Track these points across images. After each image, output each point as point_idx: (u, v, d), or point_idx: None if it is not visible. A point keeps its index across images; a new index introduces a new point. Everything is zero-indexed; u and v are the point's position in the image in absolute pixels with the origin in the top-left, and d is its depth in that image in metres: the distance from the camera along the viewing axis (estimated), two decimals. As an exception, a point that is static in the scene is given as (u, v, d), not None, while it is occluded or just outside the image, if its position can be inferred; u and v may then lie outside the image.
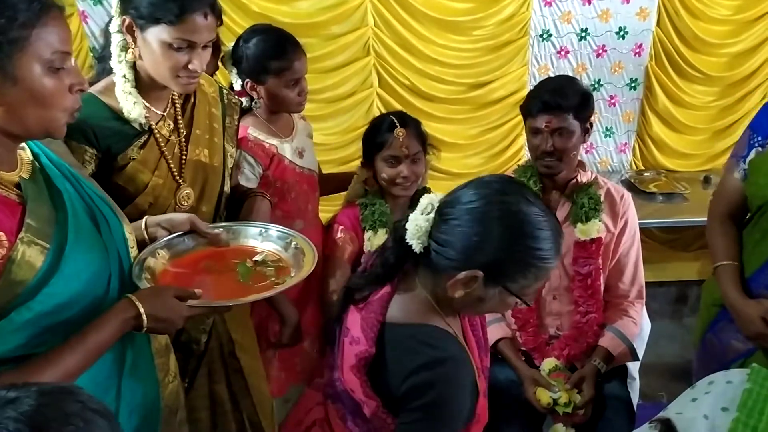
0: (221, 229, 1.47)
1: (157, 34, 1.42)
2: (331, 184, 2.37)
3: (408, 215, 1.22)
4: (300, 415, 1.37)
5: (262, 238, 1.45)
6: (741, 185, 1.82)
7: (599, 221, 1.95)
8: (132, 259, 1.30)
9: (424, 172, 2.03)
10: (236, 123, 1.83)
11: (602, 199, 1.97)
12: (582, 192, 1.96)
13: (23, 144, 1.18)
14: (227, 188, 1.78)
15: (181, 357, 1.61)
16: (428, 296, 1.19)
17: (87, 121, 1.46)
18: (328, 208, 2.50)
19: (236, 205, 1.78)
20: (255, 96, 2.01)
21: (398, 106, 3.68)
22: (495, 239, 1.10)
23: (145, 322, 1.17)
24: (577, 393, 1.88)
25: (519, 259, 1.12)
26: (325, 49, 3.50)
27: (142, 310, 1.17)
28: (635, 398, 2.15)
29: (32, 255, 1.05)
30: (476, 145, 3.85)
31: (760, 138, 1.77)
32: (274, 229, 1.45)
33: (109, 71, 1.55)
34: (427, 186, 2.12)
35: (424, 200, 1.19)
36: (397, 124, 1.95)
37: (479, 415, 1.25)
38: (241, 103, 2.01)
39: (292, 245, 1.40)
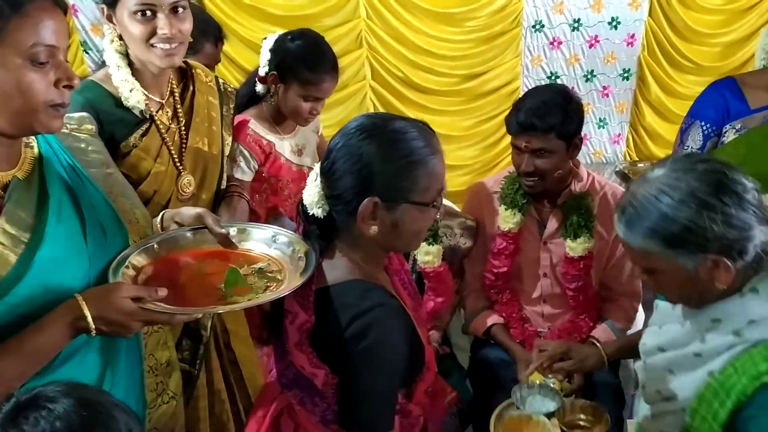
0: (234, 229, 1.34)
1: (122, 9, 1.46)
2: None
3: None
4: (266, 405, 1.37)
5: (274, 244, 1.31)
6: None
7: (589, 238, 1.89)
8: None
9: None
10: (232, 112, 1.84)
11: (596, 209, 1.91)
12: (573, 205, 1.90)
13: (31, 141, 1.16)
14: (225, 176, 1.80)
15: (191, 345, 1.62)
16: (352, 256, 1.23)
17: (93, 106, 1.48)
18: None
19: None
20: (272, 89, 2.00)
21: (391, 99, 3.68)
22: (370, 162, 1.14)
23: (91, 324, 1.05)
24: (567, 381, 1.88)
25: (400, 168, 1.15)
26: (317, 41, 3.49)
27: (87, 311, 1.05)
28: (630, 389, 2.14)
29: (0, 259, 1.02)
30: (470, 136, 3.86)
31: (714, 127, 1.80)
32: (285, 236, 1.31)
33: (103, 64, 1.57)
34: None
35: (312, 173, 1.23)
36: None
37: (429, 363, 1.29)
38: (256, 90, 2.04)
39: (298, 255, 1.27)
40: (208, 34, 2.05)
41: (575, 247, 1.89)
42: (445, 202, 1.85)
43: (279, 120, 2.07)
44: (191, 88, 1.68)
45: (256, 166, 2.01)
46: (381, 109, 3.66)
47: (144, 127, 1.56)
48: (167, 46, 1.49)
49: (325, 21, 3.48)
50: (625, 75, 3.87)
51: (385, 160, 1.15)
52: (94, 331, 1.06)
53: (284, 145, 2.07)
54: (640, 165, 3.93)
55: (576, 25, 3.70)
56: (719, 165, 1.15)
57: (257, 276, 1.22)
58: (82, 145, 1.30)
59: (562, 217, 1.93)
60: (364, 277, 1.21)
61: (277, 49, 1.97)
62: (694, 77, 3.86)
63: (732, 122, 1.78)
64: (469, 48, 3.66)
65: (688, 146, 1.86)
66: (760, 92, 1.77)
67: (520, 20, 3.64)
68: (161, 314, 1.10)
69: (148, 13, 1.45)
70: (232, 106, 1.81)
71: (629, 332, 2.05)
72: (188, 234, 1.32)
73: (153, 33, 1.46)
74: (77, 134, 1.32)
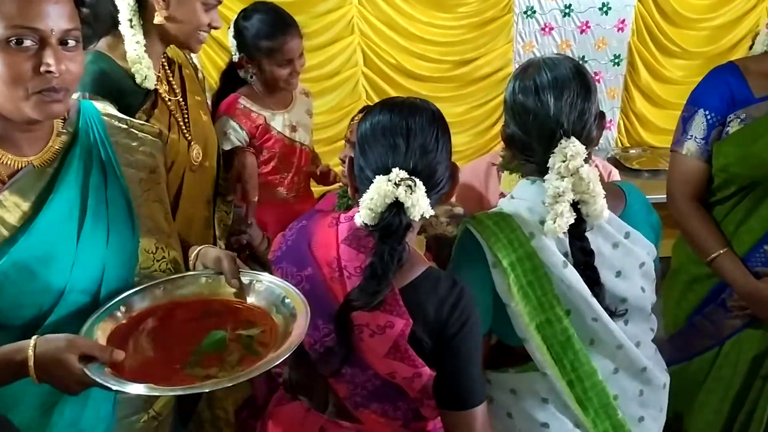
0: (252, 279, 1.22)
1: None
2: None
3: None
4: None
5: (282, 305, 1.18)
6: (703, 166, 1.80)
7: None
8: (131, 279, 1.20)
9: None
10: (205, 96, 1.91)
11: None
12: None
13: (65, 129, 1.14)
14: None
15: None
16: (412, 245, 1.21)
17: (110, 76, 1.48)
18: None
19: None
20: (249, 70, 2.08)
21: (383, 85, 3.68)
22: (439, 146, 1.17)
23: (32, 371, 0.99)
24: None
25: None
26: (309, 27, 3.46)
27: (30, 359, 0.98)
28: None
29: None
30: (463, 123, 3.87)
31: (718, 116, 1.76)
32: (298, 297, 1.16)
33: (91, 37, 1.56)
34: None
35: (379, 183, 1.13)
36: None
37: None
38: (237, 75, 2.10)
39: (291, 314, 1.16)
40: None
41: None
42: None
43: (269, 96, 2.12)
44: (177, 62, 1.71)
45: (246, 138, 2.05)
46: (373, 96, 3.67)
47: (152, 99, 1.57)
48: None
49: (317, 7, 3.46)
50: (616, 61, 3.88)
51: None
52: (36, 379, 1.00)
53: (276, 120, 2.12)
54: (632, 151, 3.95)
55: (567, 10, 3.71)
56: None
57: (242, 343, 1.12)
58: (134, 144, 1.27)
59: None
60: (426, 262, 1.20)
61: (237, 32, 2.06)
62: (682, 62, 3.87)
63: (736, 111, 1.74)
64: (460, 34, 3.66)
65: (691, 135, 1.82)
66: (762, 79, 1.73)
67: (511, 6, 3.64)
68: (98, 384, 1.00)
69: (214, 3, 1.58)
70: (201, 77, 1.85)
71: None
72: (202, 279, 1.24)
73: (209, 24, 1.57)
74: (135, 131, 1.28)
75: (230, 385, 1.01)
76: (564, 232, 1.22)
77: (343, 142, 2.22)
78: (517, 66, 3.87)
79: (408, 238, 1.15)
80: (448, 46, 3.68)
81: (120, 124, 1.27)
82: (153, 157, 1.31)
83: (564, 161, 1.19)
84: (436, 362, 1.17)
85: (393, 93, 3.70)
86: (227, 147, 1.98)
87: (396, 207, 1.10)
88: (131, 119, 1.31)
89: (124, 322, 1.16)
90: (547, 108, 1.22)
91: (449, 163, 1.20)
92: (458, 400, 1.18)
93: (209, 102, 2.02)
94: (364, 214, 1.12)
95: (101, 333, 1.12)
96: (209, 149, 1.74)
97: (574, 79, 1.24)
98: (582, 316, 1.26)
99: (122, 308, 1.17)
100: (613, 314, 1.27)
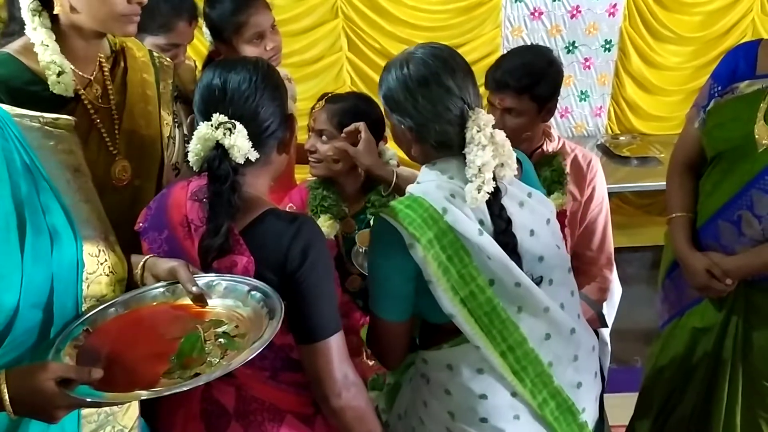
0: (213, 279, 1.21)
1: None
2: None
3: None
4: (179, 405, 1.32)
5: (249, 298, 1.19)
6: (697, 134, 1.82)
7: (563, 194, 1.89)
8: (80, 286, 1.15)
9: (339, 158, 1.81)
10: (170, 87, 1.73)
11: (568, 168, 1.92)
12: (545, 164, 1.91)
13: None
14: (168, 161, 1.68)
15: None
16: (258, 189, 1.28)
17: (7, 84, 1.34)
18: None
19: None
20: (224, 55, 1.98)
21: (368, 71, 3.61)
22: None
23: (8, 407, 0.95)
24: None
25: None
26: (291, 11, 3.41)
27: (4, 392, 0.95)
28: (606, 363, 2.14)
29: None
30: (449, 109, 3.80)
31: (719, 87, 1.76)
32: (262, 290, 1.18)
33: (12, 33, 1.42)
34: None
35: (201, 128, 1.22)
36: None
37: None
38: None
39: (265, 310, 1.16)
40: (182, 12, 1.96)
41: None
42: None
43: None
44: (122, 64, 1.56)
45: None
46: (357, 82, 3.59)
47: (69, 108, 1.41)
48: (137, 15, 1.39)
49: (299, -10, 3.39)
50: (607, 46, 3.82)
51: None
52: (12, 414, 0.96)
53: None
54: (621, 138, 3.91)
55: (557, -6, 3.64)
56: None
57: (222, 339, 1.13)
58: (51, 143, 1.20)
59: None
60: (269, 204, 1.26)
61: (206, 17, 2.00)
62: (675, 47, 3.81)
63: (733, 84, 1.74)
64: (447, 18, 3.59)
65: (696, 104, 1.84)
66: None
67: (499, -11, 3.57)
68: (89, 402, 0.98)
69: None
70: (170, 81, 1.69)
71: (605, 303, 2.04)
72: (159, 291, 1.22)
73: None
74: (50, 129, 1.21)
75: (228, 371, 1.03)
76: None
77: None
78: (505, 52, 3.86)
79: (247, 183, 1.23)
80: (434, 31, 3.60)
81: (33, 123, 1.18)
82: (73, 154, 1.24)
83: (479, 131, 1.26)
84: (286, 298, 1.18)
85: (378, 78, 3.61)
86: None
87: (220, 150, 1.18)
88: (43, 115, 1.20)
89: (90, 342, 1.13)
90: (453, 89, 1.28)
91: (281, 111, 1.27)
92: (311, 332, 1.21)
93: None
94: (191, 160, 1.20)
95: (69, 358, 1.08)
96: (145, 167, 1.58)
97: (452, 57, 1.33)
98: (504, 284, 1.29)
99: (85, 329, 1.14)
100: (535, 281, 1.32)
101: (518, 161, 1.42)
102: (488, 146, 1.26)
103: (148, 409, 1.40)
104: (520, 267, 1.29)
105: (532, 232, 1.33)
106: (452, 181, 1.30)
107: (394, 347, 1.32)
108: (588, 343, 1.42)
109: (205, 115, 1.22)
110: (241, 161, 1.18)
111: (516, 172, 1.34)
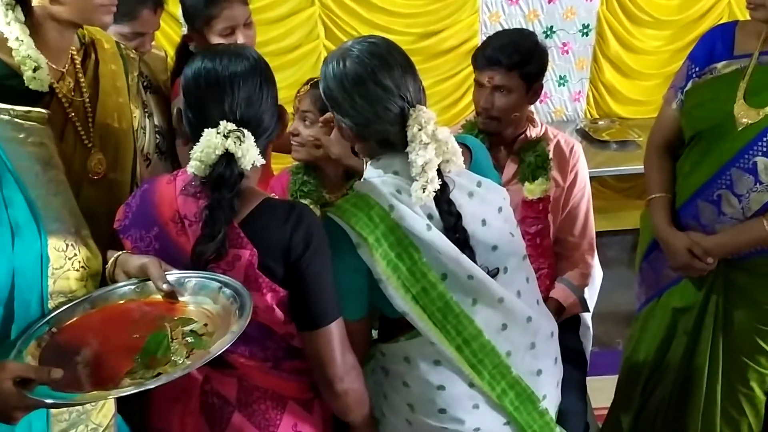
0: (183, 276, 1.20)
1: None
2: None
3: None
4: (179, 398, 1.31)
5: (220, 295, 1.16)
6: (674, 115, 1.84)
7: (547, 179, 1.91)
8: (45, 282, 1.12)
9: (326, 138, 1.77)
10: (137, 80, 1.71)
11: (551, 154, 1.93)
12: (529, 149, 1.92)
13: None
14: (140, 152, 1.66)
15: None
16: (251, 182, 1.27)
17: None
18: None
19: None
20: (197, 44, 1.94)
21: (346, 59, 3.56)
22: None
23: None
24: None
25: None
26: (267, -2, 3.35)
27: None
28: (588, 346, 2.16)
29: None
30: (429, 96, 3.64)
31: (697, 68, 1.77)
32: (233, 287, 1.16)
33: None
34: None
35: (208, 136, 1.18)
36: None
37: None
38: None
39: (237, 307, 1.13)
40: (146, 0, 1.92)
41: (533, 189, 1.91)
42: None
43: None
44: (93, 56, 1.53)
45: None
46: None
47: (44, 102, 1.39)
48: (114, 5, 1.38)
49: (274, -23, 3.34)
50: (585, 31, 3.81)
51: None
52: None
53: None
54: (600, 123, 3.92)
55: (534, -21, 3.62)
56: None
57: (190, 338, 1.10)
58: (21, 135, 1.18)
59: (518, 162, 1.95)
60: (264, 194, 1.26)
61: (181, 2, 1.95)
62: (652, 31, 3.80)
63: (711, 65, 1.75)
64: (424, 5, 3.56)
65: (674, 85, 1.86)
66: (750, 39, 1.71)
67: (476, -25, 3.55)
68: (48, 403, 0.96)
69: None
70: (135, 74, 1.67)
71: (587, 288, 2.05)
72: (129, 288, 1.20)
73: None
74: (20, 121, 1.19)
75: (189, 371, 1.01)
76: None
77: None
78: (483, 38, 3.86)
79: (244, 184, 1.21)
80: (411, 18, 3.58)
81: (2, 116, 1.17)
82: (44, 147, 1.21)
83: (420, 129, 1.24)
84: (289, 287, 1.21)
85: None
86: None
87: (227, 158, 1.15)
88: (14, 108, 1.19)
89: (54, 341, 1.10)
90: (391, 88, 1.26)
91: (276, 108, 1.26)
92: (314, 318, 1.22)
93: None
94: (195, 165, 1.16)
95: (31, 357, 1.06)
96: (120, 159, 1.56)
97: (390, 53, 1.29)
98: (457, 278, 1.28)
99: (49, 329, 1.11)
100: (491, 273, 1.32)
101: (468, 149, 1.42)
102: (431, 144, 1.24)
103: (141, 405, 1.38)
104: (474, 259, 1.29)
105: (483, 222, 1.33)
106: (397, 176, 1.29)
107: (353, 344, 1.29)
108: (546, 329, 1.42)
109: (202, 111, 1.19)
110: (249, 167, 1.17)
111: (464, 166, 1.33)
